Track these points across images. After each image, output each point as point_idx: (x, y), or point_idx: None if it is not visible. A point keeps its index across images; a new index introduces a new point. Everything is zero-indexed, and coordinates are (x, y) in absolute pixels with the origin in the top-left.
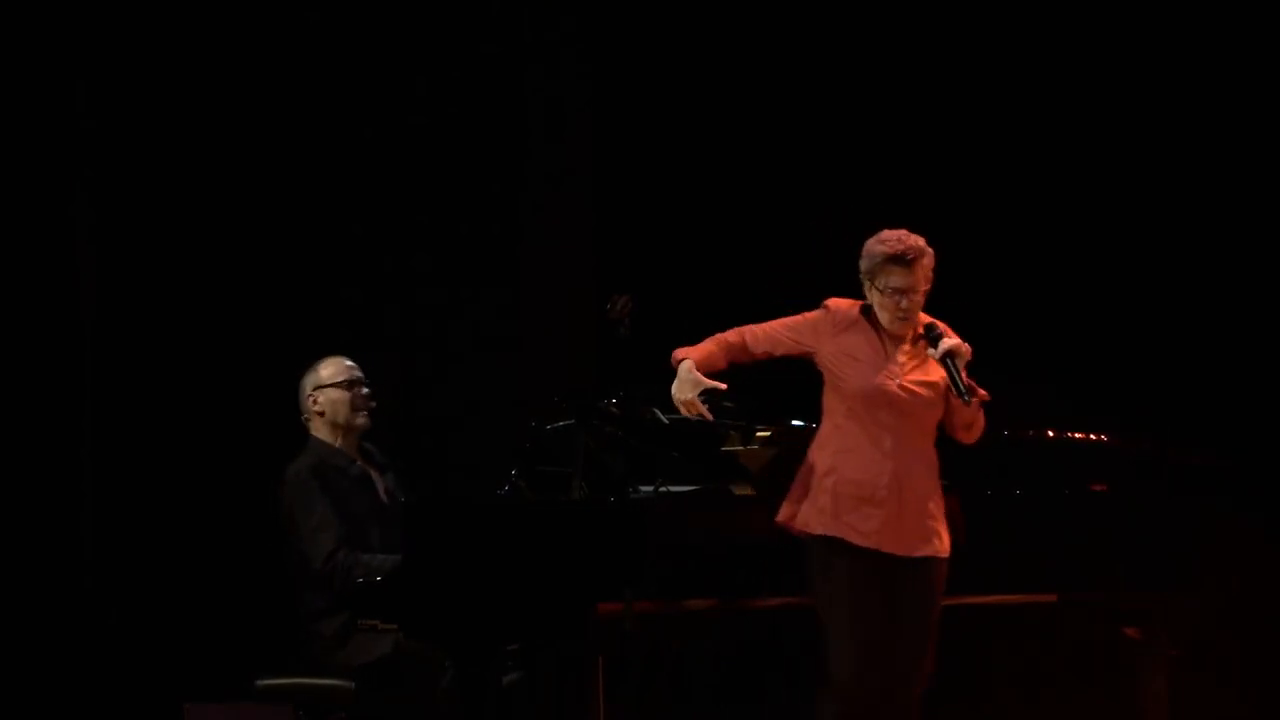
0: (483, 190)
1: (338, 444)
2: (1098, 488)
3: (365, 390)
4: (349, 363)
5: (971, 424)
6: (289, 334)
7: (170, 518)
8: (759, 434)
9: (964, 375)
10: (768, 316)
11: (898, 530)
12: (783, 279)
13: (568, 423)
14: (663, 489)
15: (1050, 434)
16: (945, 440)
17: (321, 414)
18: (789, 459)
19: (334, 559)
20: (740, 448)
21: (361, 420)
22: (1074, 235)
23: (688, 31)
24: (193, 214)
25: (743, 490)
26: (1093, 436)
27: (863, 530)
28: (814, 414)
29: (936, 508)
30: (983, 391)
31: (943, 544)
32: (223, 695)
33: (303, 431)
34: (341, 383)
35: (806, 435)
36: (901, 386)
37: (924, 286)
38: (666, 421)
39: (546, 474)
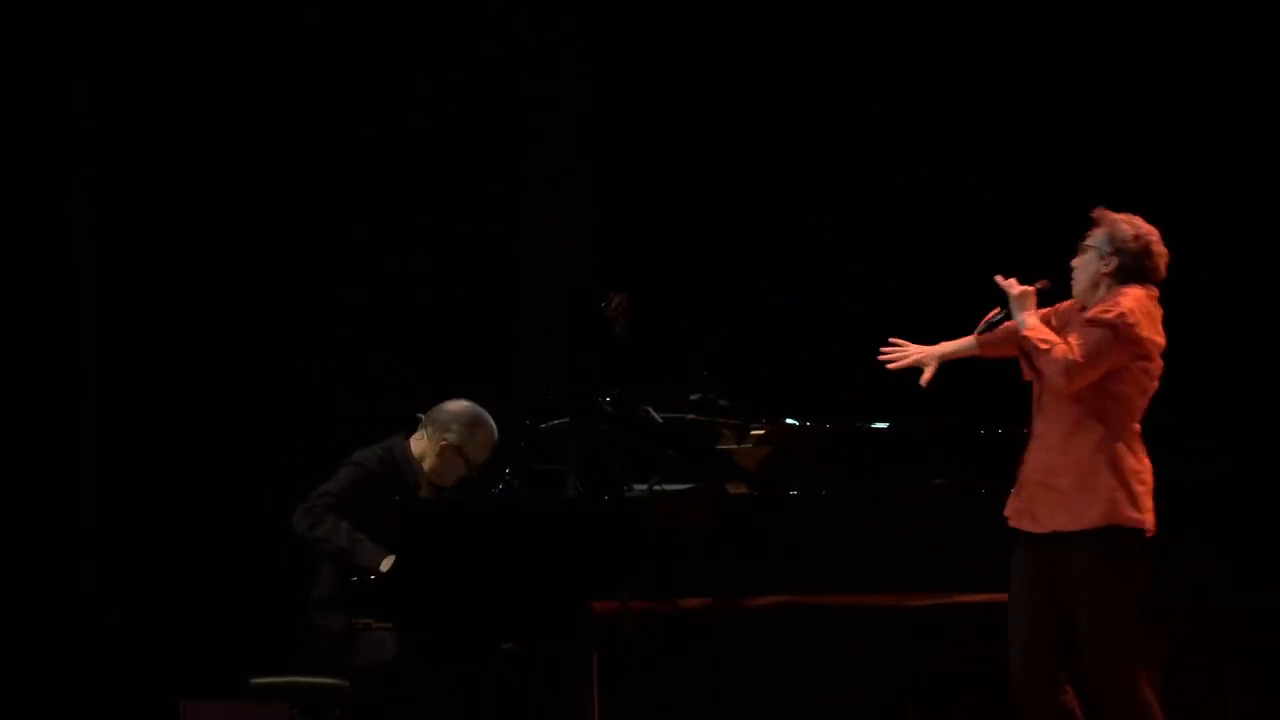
0: (483, 190)
1: (424, 470)
2: None
3: (474, 475)
4: (496, 444)
5: (1030, 361)
6: (289, 334)
7: (169, 517)
8: (754, 432)
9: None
10: (767, 316)
11: (1024, 505)
12: (782, 279)
13: (563, 421)
14: (658, 487)
15: None
16: None
17: (438, 458)
18: (784, 457)
19: (316, 506)
20: (735, 446)
21: (447, 484)
22: (1071, 235)
23: (687, 31)
24: (192, 214)
25: (738, 489)
26: None
27: (1009, 513)
28: (809, 413)
29: (1068, 479)
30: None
31: (1072, 518)
32: (219, 693)
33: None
34: (477, 464)
35: (801, 433)
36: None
37: (1079, 254)
38: (661, 420)
39: (542, 472)
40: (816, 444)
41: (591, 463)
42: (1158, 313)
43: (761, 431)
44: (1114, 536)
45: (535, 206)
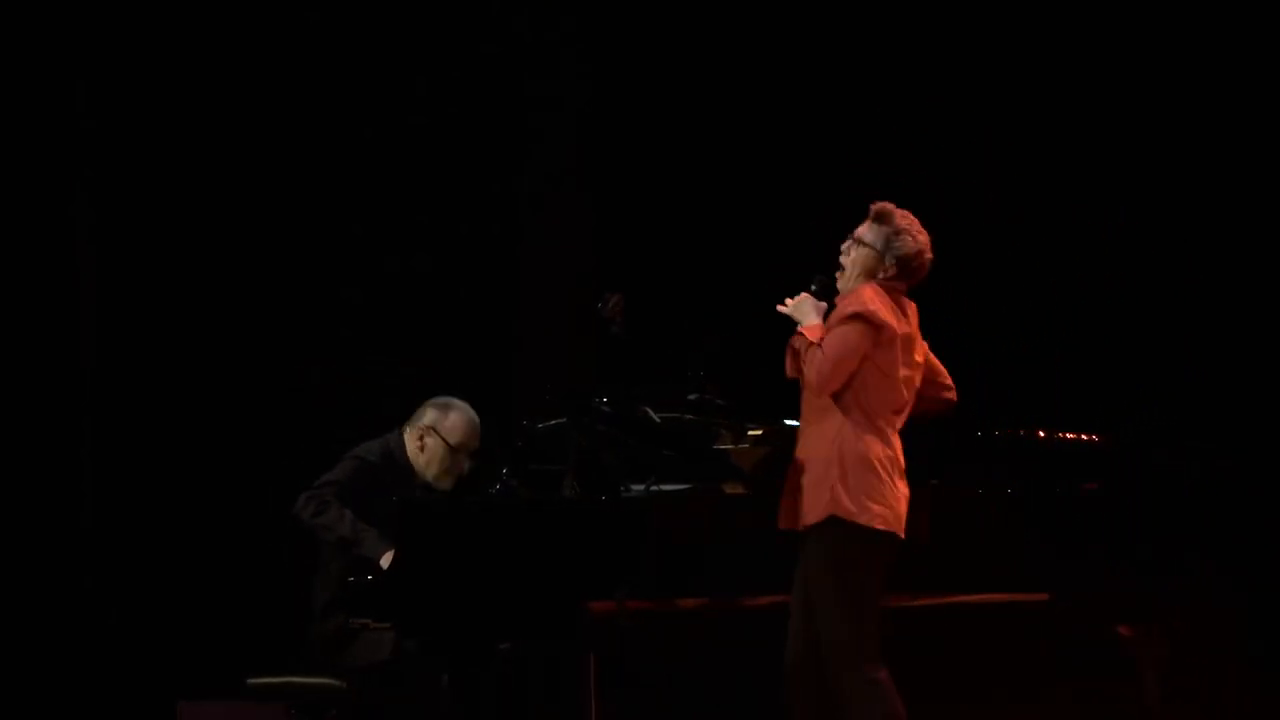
0: (483, 190)
1: (419, 476)
2: (1089, 486)
3: (468, 463)
4: (475, 428)
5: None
6: (289, 334)
7: (169, 518)
8: (751, 432)
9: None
10: (768, 315)
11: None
12: (782, 278)
13: (560, 421)
14: (655, 487)
15: (1040, 434)
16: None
17: (420, 450)
18: (781, 458)
19: (321, 494)
20: (732, 446)
21: (445, 484)
22: (1070, 235)
23: (687, 32)
24: (193, 214)
25: (735, 489)
26: (1083, 436)
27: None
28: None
29: (806, 478)
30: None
31: (798, 516)
32: (216, 694)
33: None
34: (456, 446)
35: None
36: None
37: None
38: (658, 420)
39: (540, 472)
40: None
41: (589, 463)
42: (896, 304)
43: (759, 432)
44: (831, 529)
45: (535, 206)
